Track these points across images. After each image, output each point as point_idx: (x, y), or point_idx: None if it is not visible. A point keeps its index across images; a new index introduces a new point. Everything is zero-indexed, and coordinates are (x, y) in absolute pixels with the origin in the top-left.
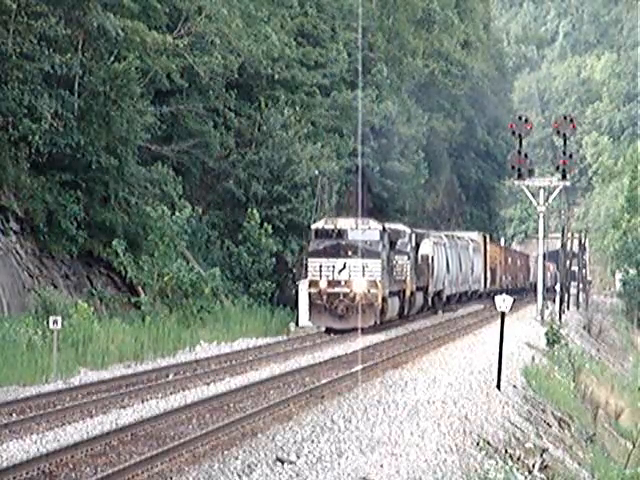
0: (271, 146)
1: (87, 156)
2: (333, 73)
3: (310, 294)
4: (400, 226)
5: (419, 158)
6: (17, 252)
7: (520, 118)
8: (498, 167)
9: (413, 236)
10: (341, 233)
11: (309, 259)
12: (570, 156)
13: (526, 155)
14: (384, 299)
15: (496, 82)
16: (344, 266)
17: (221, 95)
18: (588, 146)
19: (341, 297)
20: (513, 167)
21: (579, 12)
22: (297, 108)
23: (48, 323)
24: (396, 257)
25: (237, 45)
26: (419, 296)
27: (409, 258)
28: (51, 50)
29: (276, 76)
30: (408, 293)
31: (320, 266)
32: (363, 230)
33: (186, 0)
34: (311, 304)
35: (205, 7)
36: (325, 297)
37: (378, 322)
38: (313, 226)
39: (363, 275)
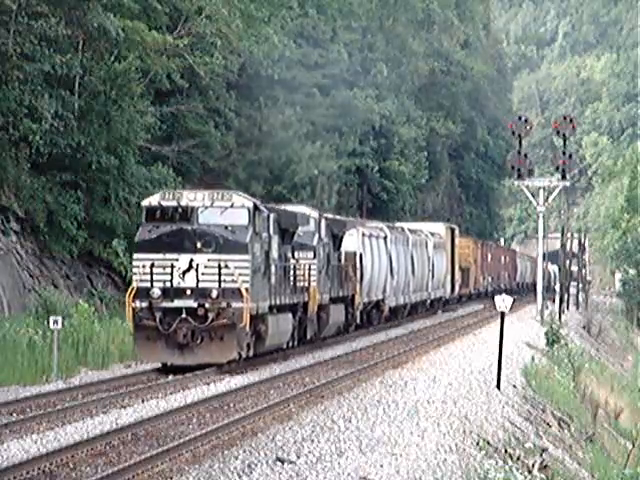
0: (271, 146)
1: (87, 156)
2: (333, 73)
3: (135, 311)
4: (302, 208)
5: (419, 157)
6: (17, 252)
7: (520, 118)
8: (498, 167)
9: (323, 224)
10: (187, 214)
11: (135, 255)
12: (570, 156)
13: (526, 155)
14: (259, 317)
15: (496, 82)
16: (190, 266)
17: (221, 95)
18: (588, 146)
19: (184, 315)
20: (513, 167)
21: (579, 12)
22: (297, 108)
23: (48, 323)
24: (294, 253)
25: (237, 45)
26: (336, 311)
27: (316, 255)
28: (51, 50)
29: (276, 76)
30: (313, 307)
31: (152, 266)
32: (222, 209)
33: (186, 0)
34: (137, 327)
35: (205, 7)
36: (159, 315)
37: (244, 355)
38: (144, 202)
39: (220, 280)
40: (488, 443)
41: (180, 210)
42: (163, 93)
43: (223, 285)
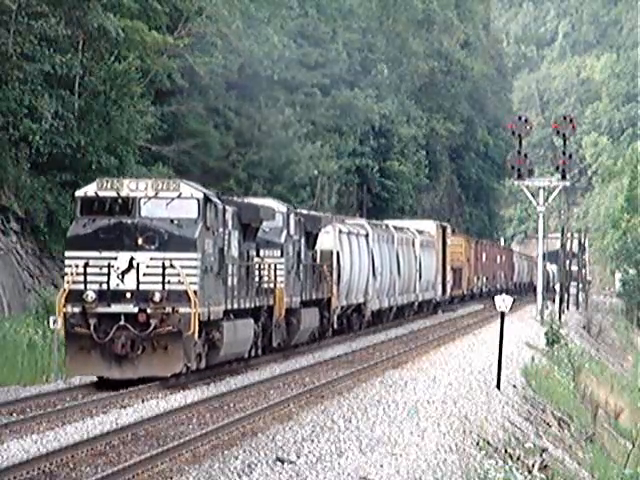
0: (271, 146)
1: (87, 156)
2: (333, 73)
3: (66, 316)
4: (268, 201)
5: (419, 157)
6: (17, 252)
7: (520, 118)
8: (498, 167)
9: (292, 219)
10: (127, 205)
11: (66, 252)
12: (570, 156)
13: (526, 155)
14: (211, 324)
15: (496, 82)
16: (130, 265)
17: (221, 95)
18: (588, 146)
19: (122, 322)
20: (513, 167)
21: (578, 12)
22: (297, 108)
23: (48, 323)
24: (258, 251)
25: (237, 46)
26: (309, 315)
27: (284, 254)
28: (51, 50)
29: (276, 76)
30: (280, 311)
31: (86, 265)
32: (168, 200)
33: (186, 1)
34: (68, 335)
35: (205, 8)
36: (94, 322)
37: (194, 367)
38: (78, 193)
39: (164, 281)
40: (488, 443)
41: (120, 201)
42: (163, 93)
43: (168, 287)
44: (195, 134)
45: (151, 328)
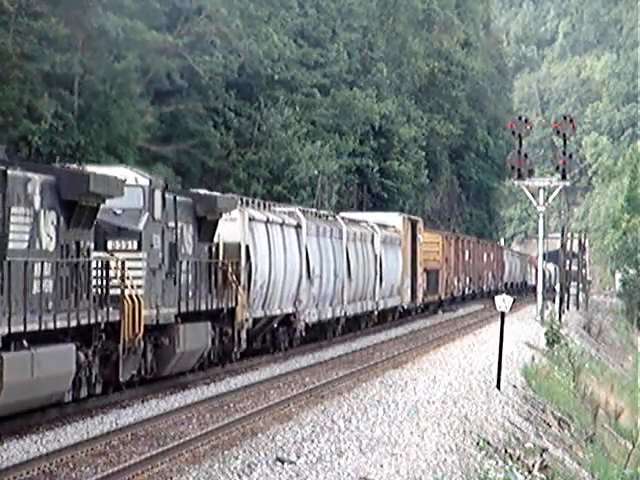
0: (271, 146)
1: (87, 156)
2: (333, 73)
3: None
4: (121, 170)
5: (419, 157)
6: None
7: (520, 118)
8: (498, 167)
9: (160, 196)
10: None
11: None
12: (570, 156)
13: (526, 155)
14: None
15: (496, 82)
16: None
17: (221, 95)
18: (588, 146)
19: None
20: (513, 167)
21: (579, 12)
22: (297, 108)
23: None
24: (105, 243)
25: (237, 45)
26: (194, 333)
27: (144, 247)
28: (51, 50)
29: (276, 76)
30: (133, 329)
31: None
32: None
33: (186, 0)
34: None
35: (205, 7)
36: None
37: None
38: None
39: None
40: (488, 443)
41: None
42: (163, 93)
43: None
44: (195, 134)
45: None
